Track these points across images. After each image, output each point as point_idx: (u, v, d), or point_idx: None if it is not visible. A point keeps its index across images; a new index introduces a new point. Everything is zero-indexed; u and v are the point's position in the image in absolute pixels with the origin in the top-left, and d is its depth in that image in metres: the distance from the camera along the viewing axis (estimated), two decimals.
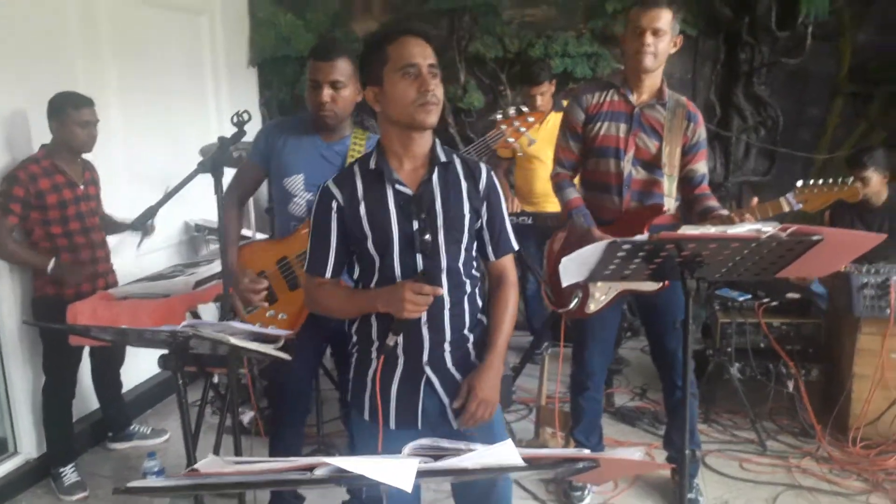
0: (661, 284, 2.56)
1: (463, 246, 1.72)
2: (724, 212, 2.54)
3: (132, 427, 3.64)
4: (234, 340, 1.71)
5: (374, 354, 1.72)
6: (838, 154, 4.39)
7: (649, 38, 2.50)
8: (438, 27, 4.84)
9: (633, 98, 2.63)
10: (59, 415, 3.19)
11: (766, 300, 3.60)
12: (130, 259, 3.59)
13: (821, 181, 2.48)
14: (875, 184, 3.36)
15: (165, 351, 1.89)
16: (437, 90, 1.60)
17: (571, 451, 0.82)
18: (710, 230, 1.86)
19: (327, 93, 2.25)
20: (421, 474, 0.76)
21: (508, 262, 1.83)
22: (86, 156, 3.20)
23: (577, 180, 2.83)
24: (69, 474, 3.17)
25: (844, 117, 4.52)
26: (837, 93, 4.49)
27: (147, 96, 4.09)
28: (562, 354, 3.57)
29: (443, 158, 1.70)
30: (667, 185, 2.64)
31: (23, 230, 3.02)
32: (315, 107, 2.29)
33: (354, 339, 1.79)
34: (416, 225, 1.66)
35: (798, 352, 3.52)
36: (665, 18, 2.48)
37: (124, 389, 3.61)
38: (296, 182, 2.36)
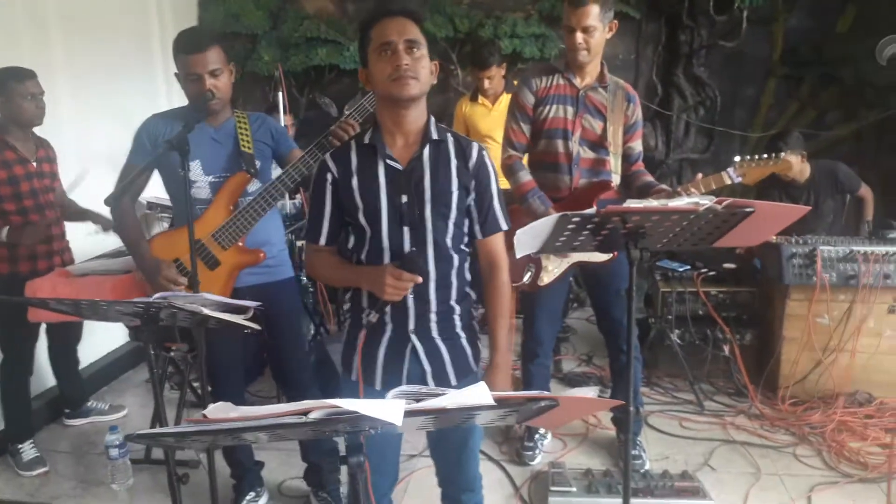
0: (610, 256, 2.72)
1: (451, 221, 1.78)
2: (666, 187, 2.73)
3: (89, 403, 3.65)
4: (207, 311, 1.78)
5: (364, 321, 1.80)
6: (771, 132, 4.64)
7: (580, 38, 2.63)
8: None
9: (578, 82, 2.78)
10: (16, 392, 3.20)
11: (704, 270, 3.82)
12: (84, 236, 3.57)
13: (757, 156, 2.70)
14: (795, 164, 3.60)
15: (122, 326, 1.94)
16: (414, 64, 1.66)
17: (534, 392, 0.94)
18: (653, 204, 2.01)
19: (210, 82, 2.30)
20: (406, 414, 0.87)
21: (497, 242, 1.87)
22: (37, 132, 3.18)
23: (525, 161, 2.95)
24: (28, 450, 3.18)
25: (777, 98, 4.79)
26: (771, 74, 4.76)
27: (95, 73, 4.04)
28: (513, 326, 3.72)
29: (435, 136, 1.76)
30: (613, 163, 2.82)
31: None
32: (199, 97, 2.32)
33: (348, 304, 1.88)
34: (404, 199, 1.74)
35: (733, 318, 3.76)
36: (593, 14, 2.60)
37: (80, 366, 3.62)
38: (194, 169, 2.41)
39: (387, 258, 1.76)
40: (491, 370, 1.87)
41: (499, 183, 1.88)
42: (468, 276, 1.90)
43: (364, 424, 0.90)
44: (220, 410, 0.87)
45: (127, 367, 4.20)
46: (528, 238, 2.00)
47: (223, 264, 2.46)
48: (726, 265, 3.85)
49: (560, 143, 2.80)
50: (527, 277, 2.87)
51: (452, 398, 0.89)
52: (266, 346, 2.69)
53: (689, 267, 3.87)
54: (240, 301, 1.92)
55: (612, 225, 1.94)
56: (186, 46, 2.28)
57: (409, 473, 3.00)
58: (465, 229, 1.85)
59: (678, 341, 3.74)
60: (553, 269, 2.86)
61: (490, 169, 1.83)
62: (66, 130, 3.72)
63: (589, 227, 1.94)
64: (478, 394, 0.88)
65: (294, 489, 2.95)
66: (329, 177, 1.79)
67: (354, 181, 1.76)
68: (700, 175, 2.74)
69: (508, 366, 1.88)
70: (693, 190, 2.61)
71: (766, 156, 2.67)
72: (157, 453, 3.16)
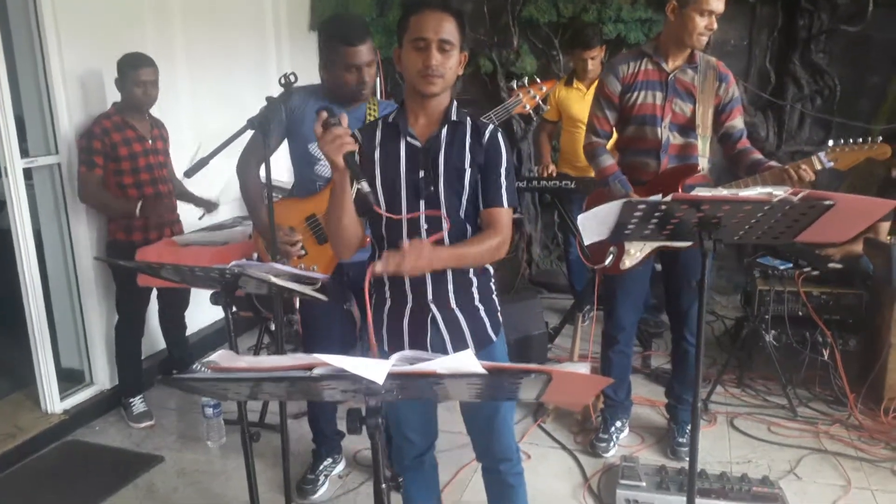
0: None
1: (464, 197, 1.85)
2: (776, 164, 2.64)
3: (195, 366, 3.94)
4: (275, 280, 1.90)
5: (387, 294, 1.90)
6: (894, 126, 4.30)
7: (714, 22, 2.59)
8: None
9: (667, 66, 2.71)
10: (129, 350, 3.52)
11: (807, 269, 3.61)
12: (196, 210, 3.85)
13: (851, 140, 2.57)
14: None
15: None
16: (441, 65, 1.73)
17: (530, 365, 0.96)
18: (723, 192, 1.94)
19: (368, 71, 2.42)
20: (395, 376, 0.92)
21: (498, 216, 1.85)
22: (154, 114, 3.45)
23: (611, 146, 2.93)
24: (138, 404, 3.51)
25: None
26: None
27: (212, 58, 4.32)
28: (595, 317, 3.71)
29: (454, 118, 1.85)
30: (700, 146, 2.75)
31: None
32: (357, 87, 2.43)
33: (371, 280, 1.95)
34: (421, 174, 1.83)
35: (836, 321, 3.54)
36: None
37: (188, 332, 3.90)
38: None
39: (405, 231, 1.82)
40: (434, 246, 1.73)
41: (511, 166, 1.90)
42: None
43: (362, 384, 0.95)
44: (227, 358, 0.96)
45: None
46: (594, 223, 1.98)
47: None
48: (832, 265, 3.62)
49: (649, 130, 2.77)
50: (608, 260, 2.85)
51: (442, 363, 0.93)
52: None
53: (791, 265, 3.67)
54: (309, 273, 2.03)
55: (682, 213, 1.90)
56: (348, 37, 2.36)
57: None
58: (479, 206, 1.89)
59: (773, 342, 3.56)
60: (635, 252, 2.82)
61: (502, 149, 1.87)
62: (184, 115, 4.01)
63: (657, 214, 1.90)
64: (466, 361, 0.92)
65: (368, 459, 3.05)
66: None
67: (377, 154, 1.86)
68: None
69: (442, 262, 1.75)
70: (804, 167, 2.51)
71: (860, 140, 2.54)
72: (251, 416, 3.37)
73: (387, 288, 1.90)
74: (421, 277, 1.84)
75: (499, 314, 2.00)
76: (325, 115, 1.68)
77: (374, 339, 1.92)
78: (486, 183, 1.87)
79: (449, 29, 1.74)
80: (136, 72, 3.24)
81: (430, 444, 2.12)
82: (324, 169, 2.57)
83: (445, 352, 1.87)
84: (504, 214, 1.88)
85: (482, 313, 1.94)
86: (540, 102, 3.01)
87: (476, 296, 1.93)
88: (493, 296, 1.98)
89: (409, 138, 1.84)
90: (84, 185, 3.27)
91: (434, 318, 1.89)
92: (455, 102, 1.88)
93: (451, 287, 1.88)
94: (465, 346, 1.91)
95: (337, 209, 1.77)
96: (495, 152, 1.87)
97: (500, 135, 1.88)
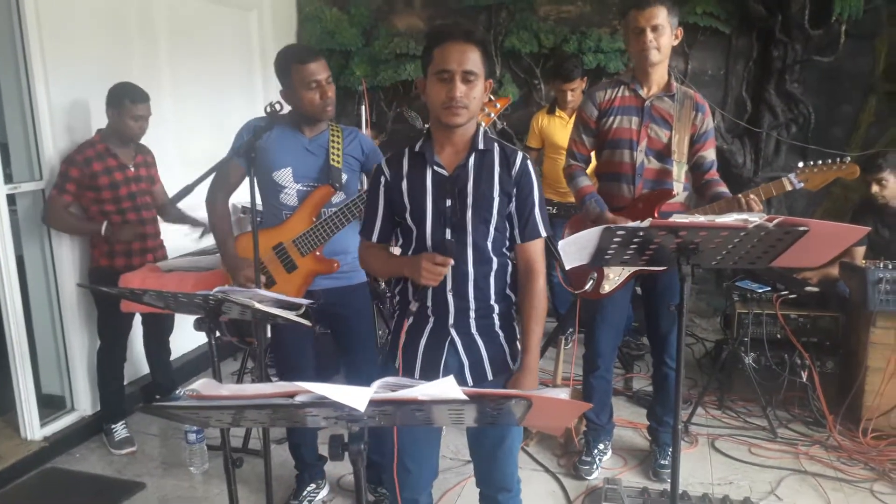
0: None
1: (492, 226, 1.87)
2: (729, 196, 2.69)
3: (178, 392, 3.92)
4: (259, 305, 1.91)
5: (407, 311, 1.92)
6: (870, 152, 4.39)
7: (650, 35, 2.66)
8: (476, 22, 5.01)
9: (643, 92, 2.78)
10: (111, 376, 3.49)
11: (784, 292, 3.67)
12: (181, 236, 3.83)
13: (820, 161, 2.64)
14: (893, 186, 3.42)
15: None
16: (465, 96, 1.76)
17: (510, 391, 0.99)
18: (700, 219, 1.99)
19: (330, 87, 2.47)
20: (376, 403, 0.94)
21: (536, 248, 1.94)
22: (142, 140, 3.46)
23: (590, 171, 2.99)
24: (120, 431, 3.48)
25: (878, 116, 4.54)
26: (872, 91, 4.51)
27: (198, 87, 4.35)
28: (575, 339, 3.75)
29: (481, 146, 1.87)
30: (675, 171, 2.81)
31: (80, 207, 3.33)
32: (322, 104, 2.47)
33: (397, 298, 2.00)
34: (448, 203, 1.85)
35: (814, 344, 3.60)
36: (661, 15, 2.64)
37: (172, 357, 3.87)
38: (285, 175, 2.55)
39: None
40: (520, 371, 1.93)
41: (542, 192, 1.94)
42: (509, 280, 1.96)
43: (344, 411, 0.97)
44: (210, 387, 0.97)
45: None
46: (574, 249, 2.01)
47: (300, 269, 2.61)
48: (808, 288, 3.68)
49: (626, 154, 2.83)
50: (589, 285, 2.91)
51: (423, 390, 0.95)
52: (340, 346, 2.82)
53: (769, 288, 3.73)
54: (293, 298, 2.05)
55: (660, 239, 1.94)
56: (304, 56, 2.44)
57: (465, 478, 3.06)
58: (507, 235, 1.93)
59: (753, 364, 3.61)
60: (614, 277, 2.88)
61: (533, 177, 1.91)
62: (170, 143, 4.01)
63: (636, 240, 1.94)
64: (447, 387, 0.94)
65: (351, 484, 3.06)
66: (382, 180, 1.93)
67: (404, 184, 1.89)
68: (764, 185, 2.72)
69: (536, 367, 1.94)
70: (752, 197, 2.56)
71: (829, 160, 2.60)
72: (234, 441, 3.35)
73: (409, 306, 1.91)
74: (444, 302, 1.88)
75: (517, 343, 1.99)
76: (437, 256, 1.78)
77: (391, 358, 1.96)
78: (521, 214, 1.90)
79: (473, 59, 1.76)
80: (134, 105, 3.26)
81: (430, 479, 2.10)
82: (288, 198, 2.58)
83: (462, 375, 1.89)
84: (539, 246, 1.95)
85: (502, 340, 1.96)
86: (495, 119, 3.09)
87: (497, 322, 1.94)
88: (514, 323, 1.99)
89: (435, 167, 1.87)
90: (49, 207, 3.29)
91: (453, 342, 1.90)
92: (482, 128, 1.90)
93: (472, 314, 1.90)
94: (483, 372, 1.93)
95: (387, 274, 2.06)
96: (527, 182, 1.90)
97: (529, 162, 1.91)
